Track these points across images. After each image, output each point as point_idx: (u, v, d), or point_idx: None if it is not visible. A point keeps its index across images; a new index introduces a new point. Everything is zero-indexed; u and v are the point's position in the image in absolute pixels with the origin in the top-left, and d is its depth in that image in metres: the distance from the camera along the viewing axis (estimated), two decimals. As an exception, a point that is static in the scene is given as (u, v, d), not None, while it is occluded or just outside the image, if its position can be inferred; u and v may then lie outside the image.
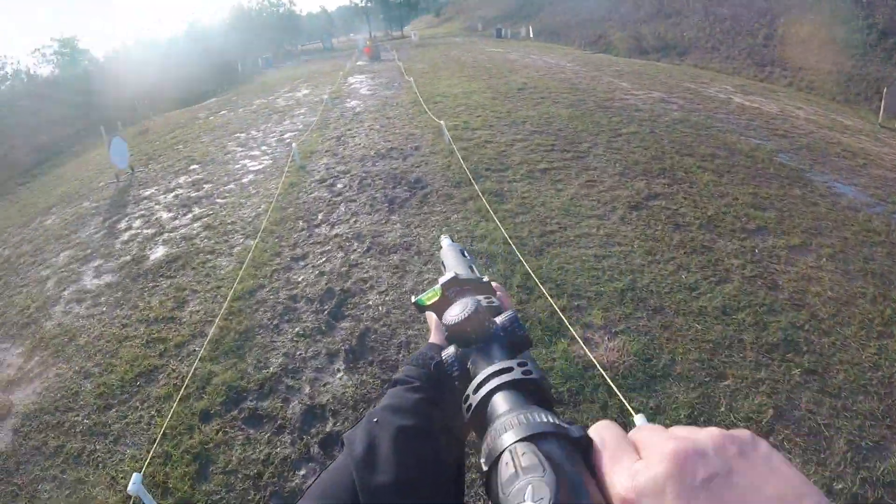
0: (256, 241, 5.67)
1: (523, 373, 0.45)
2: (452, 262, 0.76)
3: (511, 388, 0.44)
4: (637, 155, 7.32)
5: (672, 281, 4.31)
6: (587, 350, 3.47)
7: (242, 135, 11.68)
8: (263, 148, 10.11)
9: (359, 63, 24.41)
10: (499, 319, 0.55)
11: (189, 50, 34.74)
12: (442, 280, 0.66)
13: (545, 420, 0.37)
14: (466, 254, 0.80)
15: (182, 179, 8.88)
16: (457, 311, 0.54)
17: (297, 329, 4.16)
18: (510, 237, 5.08)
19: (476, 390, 0.45)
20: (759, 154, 7.41)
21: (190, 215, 7.05)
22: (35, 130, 18.50)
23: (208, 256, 5.66)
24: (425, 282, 4.61)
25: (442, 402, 0.56)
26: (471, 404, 0.45)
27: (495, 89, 12.64)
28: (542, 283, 4.24)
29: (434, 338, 0.69)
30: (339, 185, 7.17)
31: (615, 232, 5.22)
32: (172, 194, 8.14)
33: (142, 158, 11.53)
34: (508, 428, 0.38)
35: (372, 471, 0.47)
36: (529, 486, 0.32)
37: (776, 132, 8.67)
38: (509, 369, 0.46)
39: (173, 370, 3.93)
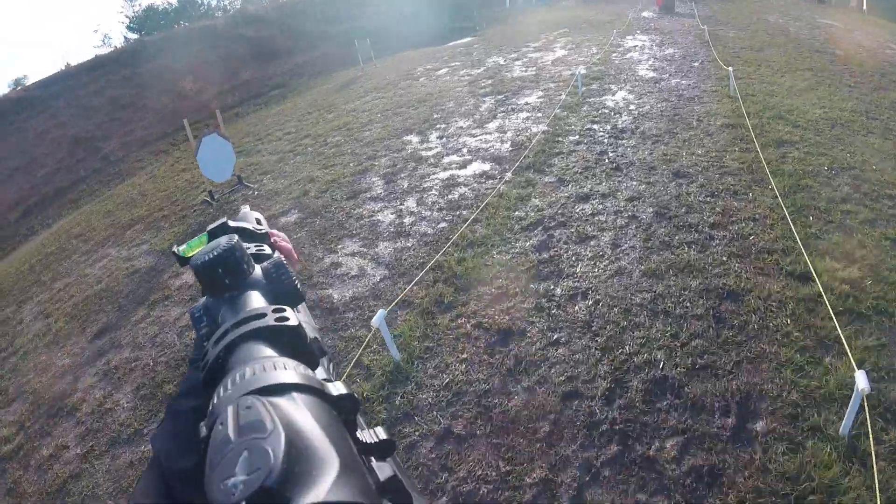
0: None
1: (277, 319, 0.35)
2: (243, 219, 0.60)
3: (259, 337, 0.34)
4: None
5: None
6: None
7: (410, 145, 6.86)
8: (408, 222, 4.91)
9: (644, 14, 16.17)
10: (260, 265, 0.46)
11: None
12: (210, 227, 0.54)
13: (290, 370, 0.29)
14: (263, 221, 0.63)
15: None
16: (207, 250, 0.44)
17: None
18: None
19: (216, 343, 0.35)
20: None
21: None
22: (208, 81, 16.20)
23: None
24: None
25: None
26: (207, 361, 0.34)
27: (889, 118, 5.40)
28: None
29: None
30: None
31: None
32: (183, 323, 4.02)
33: (277, 153, 7.86)
34: (236, 381, 0.28)
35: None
36: (245, 452, 0.23)
37: None
38: (261, 315, 0.35)
39: None
